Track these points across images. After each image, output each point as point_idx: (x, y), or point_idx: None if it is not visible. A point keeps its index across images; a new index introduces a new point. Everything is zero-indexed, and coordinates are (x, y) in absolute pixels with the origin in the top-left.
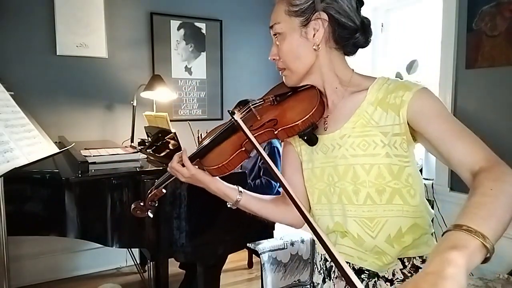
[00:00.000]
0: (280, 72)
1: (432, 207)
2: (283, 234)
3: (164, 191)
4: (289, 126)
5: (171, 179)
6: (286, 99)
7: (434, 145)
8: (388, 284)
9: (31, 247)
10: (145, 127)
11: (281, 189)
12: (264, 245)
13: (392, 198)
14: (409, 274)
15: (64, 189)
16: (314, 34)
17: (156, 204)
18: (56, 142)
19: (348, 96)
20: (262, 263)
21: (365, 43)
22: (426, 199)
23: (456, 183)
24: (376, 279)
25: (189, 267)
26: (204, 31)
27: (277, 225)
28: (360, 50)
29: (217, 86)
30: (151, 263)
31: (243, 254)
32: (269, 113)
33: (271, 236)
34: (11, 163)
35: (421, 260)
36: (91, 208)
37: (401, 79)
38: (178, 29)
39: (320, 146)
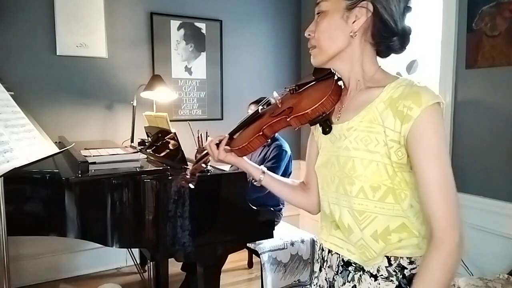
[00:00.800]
0: (310, 49)
1: None
2: (283, 234)
3: (203, 166)
4: (300, 114)
5: (207, 156)
6: (305, 88)
7: (415, 172)
8: (372, 279)
9: (31, 247)
10: (145, 127)
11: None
12: (264, 245)
13: (386, 197)
14: (393, 273)
15: (64, 189)
16: (355, 21)
17: (196, 178)
18: (56, 142)
19: (365, 90)
20: (262, 263)
21: (400, 49)
22: None
23: (456, 183)
24: (361, 273)
25: (191, 268)
26: (204, 31)
27: (277, 225)
28: None
29: (217, 86)
30: (151, 263)
31: (243, 254)
32: (288, 101)
33: (271, 236)
34: (11, 163)
35: (408, 261)
36: (91, 208)
37: None
38: (178, 29)
39: (332, 135)
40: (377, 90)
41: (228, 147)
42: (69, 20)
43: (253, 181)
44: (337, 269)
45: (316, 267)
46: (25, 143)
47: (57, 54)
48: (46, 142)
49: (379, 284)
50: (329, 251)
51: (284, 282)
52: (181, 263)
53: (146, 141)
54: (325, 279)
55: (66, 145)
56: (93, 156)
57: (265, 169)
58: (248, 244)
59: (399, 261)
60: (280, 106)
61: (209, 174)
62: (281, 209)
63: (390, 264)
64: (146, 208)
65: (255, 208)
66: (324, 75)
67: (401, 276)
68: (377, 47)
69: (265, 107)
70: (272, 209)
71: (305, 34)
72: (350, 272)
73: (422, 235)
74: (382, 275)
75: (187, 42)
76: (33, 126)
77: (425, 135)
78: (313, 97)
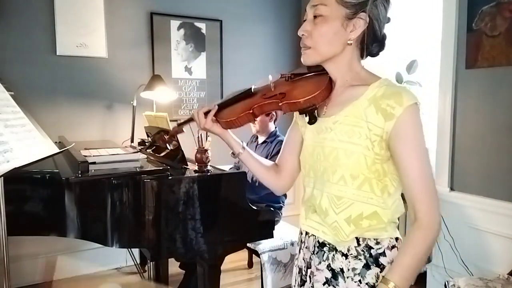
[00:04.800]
0: (303, 48)
1: None
2: (283, 234)
3: (184, 130)
4: (292, 101)
5: (190, 121)
6: (300, 79)
7: (397, 167)
8: (344, 258)
9: (31, 247)
10: (145, 127)
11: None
12: (264, 245)
13: (362, 185)
14: (361, 252)
15: (64, 189)
16: (352, 30)
17: (175, 141)
18: (56, 142)
19: (350, 88)
20: (262, 263)
21: (376, 54)
22: None
23: (456, 184)
24: (334, 252)
25: (189, 267)
26: (204, 31)
27: (277, 225)
28: None
29: (217, 86)
30: (151, 263)
31: (243, 254)
32: (281, 87)
33: (271, 236)
34: (11, 163)
35: (375, 242)
36: (91, 208)
37: (401, 79)
38: (178, 29)
39: (317, 126)
40: (362, 88)
41: (214, 118)
42: (69, 20)
43: (231, 154)
44: (313, 249)
45: (296, 249)
46: (25, 143)
47: (57, 54)
48: (46, 142)
49: (349, 262)
50: (307, 233)
51: (284, 282)
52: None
53: (146, 141)
54: (303, 259)
55: (66, 145)
56: (93, 156)
57: (245, 145)
58: (248, 244)
59: (367, 242)
60: (273, 89)
61: (209, 174)
62: (281, 207)
63: (358, 244)
64: (146, 208)
65: (255, 208)
66: (319, 70)
67: (368, 255)
68: (361, 52)
69: (258, 87)
70: (272, 208)
71: (299, 33)
72: (325, 252)
73: (390, 221)
74: (351, 254)
75: (187, 42)
76: (33, 126)
77: (407, 132)
78: (306, 88)
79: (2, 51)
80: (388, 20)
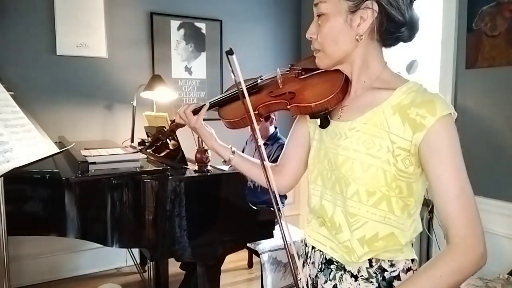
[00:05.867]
0: (314, 52)
1: (432, 207)
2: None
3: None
4: (302, 105)
5: (179, 126)
6: (311, 75)
7: (430, 184)
8: (353, 279)
9: (31, 247)
10: (145, 127)
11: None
12: (264, 245)
13: (380, 203)
14: (373, 274)
15: (64, 189)
16: (360, 24)
17: (173, 135)
18: (56, 142)
19: (372, 91)
20: (262, 263)
21: (409, 38)
22: (426, 198)
23: None
24: (343, 272)
25: (189, 267)
26: (204, 31)
27: (277, 225)
28: None
29: (217, 86)
30: (151, 263)
31: (243, 254)
32: (291, 85)
33: (271, 236)
34: (11, 163)
35: (389, 263)
36: (91, 208)
37: None
38: (178, 29)
39: (330, 131)
40: (385, 92)
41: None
42: (69, 20)
43: (222, 162)
44: (319, 266)
45: (300, 262)
46: (25, 143)
47: (57, 54)
48: (46, 142)
49: (359, 284)
50: (313, 247)
51: (284, 282)
52: (180, 262)
53: (146, 141)
54: (309, 276)
55: (66, 145)
56: (93, 156)
57: (234, 149)
58: (248, 244)
59: (380, 263)
60: (281, 86)
61: (209, 174)
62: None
63: (371, 266)
64: (146, 208)
65: (255, 208)
66: None
67: (381, 278)
68: (384, 42)
69: (264, 81)
70: (271, 208)
71: (307, 36)
72: (332, 270)
73: (406, 242)
74: (362, 275)
75: (187, 42)
76: (33, 126)
77: (440, 145)
78: (319, 89)
79: (2, 51)
80: None
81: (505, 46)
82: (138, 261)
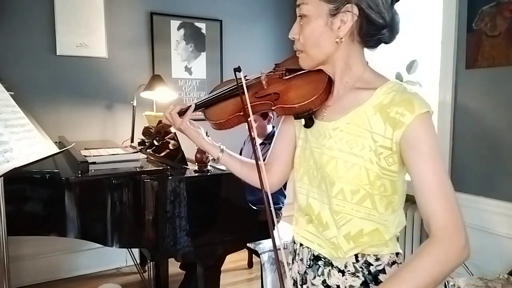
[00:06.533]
0: (297, 53)
1: None
2: (283, 234)
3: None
4: (287, 106)
5: (166, 127)
6: (295, 76)
7: (411, 178)
8: (340, 274)
9: (31, 247)
10: (145, 127)
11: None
12: (264, 245)
13: (363, 201)
14: (360, 269)
15: (64, 189)
16: (340, 27)
17: (161, 135)
18: (56, 142)
19: (354, 91)
20: (262, 263)
21: (390, 40)
22: None
23: (456, 183)
24: (330, 267)
25: (189, 267)
26: (204, 31)
27: (277, 225)
28: None
29: None
30: (151, 263)
31: (243, 254)
32: (275, 85)
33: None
34: (11, 163)
35: (375, 258)
36: (91, 208)
37: (401, 79)
38: (178, 29)
39: (315, 130)
40: (367, 92)
41: (188, 116)
42: (69, 20)
43: (211, 159)
44: (308, 262)
45: (289, 259)
46: (25, 143)
47: (57, 54)
48: (46, 142)
49: (346, 279)
50: (301, 244)
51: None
52: (180, 262)
53: (146, 141)
54: (298, 272)
55: (66, 145)
56: (93, 156)
57: (223, 147)
58: (248, 244)
59: (366, 258)
60: (265, 87)
61: (209, 174)
62: (281, 208)
63: (357, 261)
64: (146, 208)
65: (255, 208)
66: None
67: (367, 273)
68: (365, 44)
69: (249, 82)
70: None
71: (289, 37)
72: (320, 266)
73: (391, 237)
74: (349, 270)
75: (187, 42)
76: (33, 126)
77: (419, 140)
78: (303, 90)
79: (2, 51)
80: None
81: (505, 46)
82: (138, 261)
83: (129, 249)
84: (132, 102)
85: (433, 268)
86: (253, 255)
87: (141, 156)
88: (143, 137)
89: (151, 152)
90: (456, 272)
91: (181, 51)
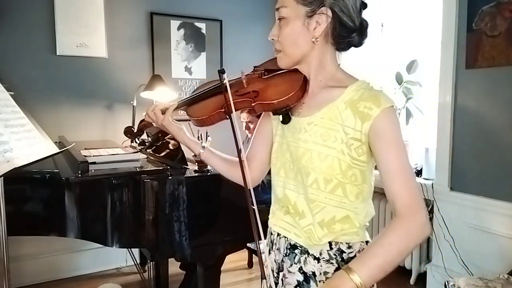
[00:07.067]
0: (275, 52)
1: (432, 207)
2: None
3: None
4: (266, 102)
5: (148, 126)
6: (273, 75)
7: (377, 165)
8: (316, 261)
9: (31, 247)
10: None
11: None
12: (264, 245)
13: (336, 189)
14: (333, 256)
15: (64, 189)
16: (315, 27)
17: (142, 135)
18: (56, 142)
19: (327, 89)
20: None
21: (359, 43)
22: (426, 199)
23: (456, 183)
24: (306, 255)
25: (189, 267)
26: (204, 31)
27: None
28: (360, 50)
29: None
30: (151, 263)
31: (243, 254)
32: (254, 84)
33: None
34: (11, 163)
35: (347, 246)
36: (91, 208)
37: (401, 79)
38: (178, 29)
39: (291, 126)
40: (339, 90)
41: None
42: (69, 20)
43: (193, 156)
44: (285, 251)
45: (266, 250)
46: (25, 143)
47: (57, 54)
48: (46, 142)
49: (321, 266)
50: (278, 234)
51: None
52: (180, 262)
53: (146, 141)
54: (275, 261)
55: (66, 145)
56: (93, 156)
57: (205, 144)
58: (248, 244)
59: (339, 246)
60: (246, 86)
61: (209, 174)
62: None
63: (331, 248)
64: (146, 208)
65: (255, 208)
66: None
67: (340, 259)
68: (337, 45)
69: (230, 80)
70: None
71: (269, 38)
72: (296, 254)
73: (362, 225)
74: (324, 258)
75: (187, 42)
76: (33, 126)
77: (384, 130)
78: (280, 88)
79: (2, 51)
80: (364, 6)
81: (505, 46)
82: (138, 261)
83: (129, 249)
84: (132, 102)
85: (400, 242)
86: (253, 255)
87: (141, 156)
88: (126, 136)
89: (151, 152)
90: (456, 272)
91: (181, 51)
